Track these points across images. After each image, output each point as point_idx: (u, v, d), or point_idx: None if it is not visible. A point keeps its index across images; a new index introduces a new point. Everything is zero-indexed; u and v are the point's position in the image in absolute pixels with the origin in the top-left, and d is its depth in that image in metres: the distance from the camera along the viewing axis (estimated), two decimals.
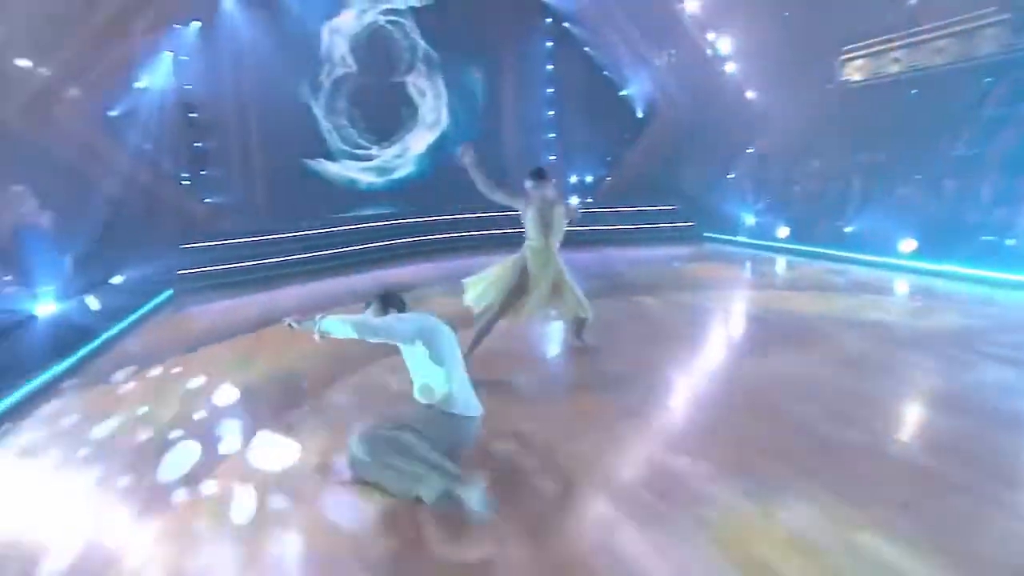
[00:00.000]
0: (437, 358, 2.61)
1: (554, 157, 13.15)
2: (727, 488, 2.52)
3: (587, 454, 2.89)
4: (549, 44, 12.90)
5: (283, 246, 8.92)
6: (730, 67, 11.14)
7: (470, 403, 2.69)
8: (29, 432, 3.49)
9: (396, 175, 12.05)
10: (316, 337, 2.56)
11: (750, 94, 11.20)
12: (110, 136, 7.97)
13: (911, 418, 3.36)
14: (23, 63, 6.36)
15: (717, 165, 11.65)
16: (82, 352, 4.62)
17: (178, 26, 9.07)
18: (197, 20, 9.40)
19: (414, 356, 2.66)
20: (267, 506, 2.57)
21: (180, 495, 2.70)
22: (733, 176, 11.61)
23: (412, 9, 11.74)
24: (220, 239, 8.76)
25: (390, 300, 2.85)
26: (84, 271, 5.63)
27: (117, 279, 6.88)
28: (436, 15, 11.61)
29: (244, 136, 10.49)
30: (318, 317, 2.56)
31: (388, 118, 11.89)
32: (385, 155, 12.00)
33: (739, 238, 10.07)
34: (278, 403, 3.73)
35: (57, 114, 6.89)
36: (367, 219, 10.43)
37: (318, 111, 11.27)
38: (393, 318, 2.71)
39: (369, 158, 11.88)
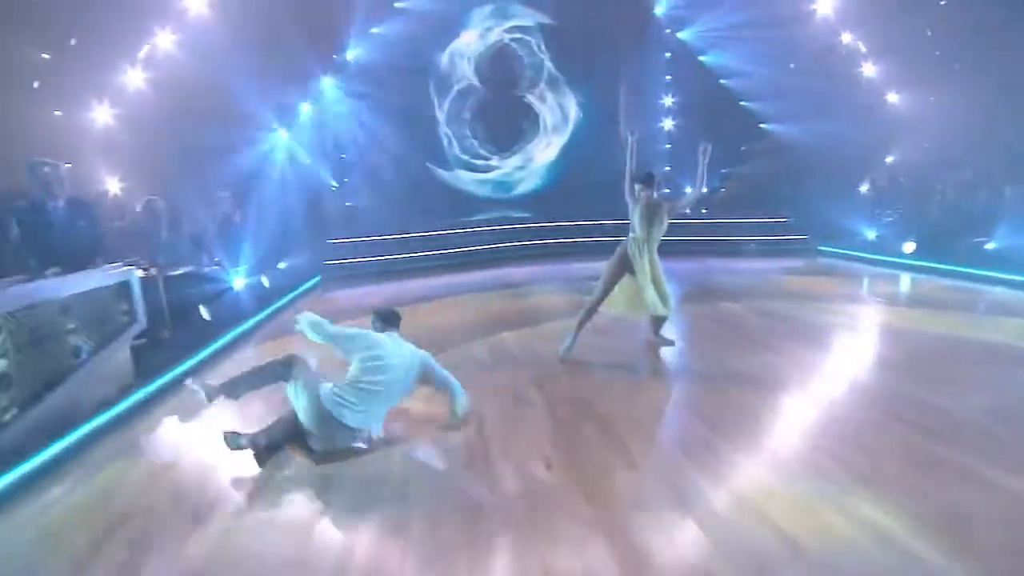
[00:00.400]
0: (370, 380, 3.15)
1: (669, 168, 13.36)
2: (748, 457, 2.91)
3: (636, 420, 3.42)
4: (668, 55, 13.10)
5: (410, 244, 10.31)
6: (868, 69, 10.59)
7: (358, 417, 3.11)
8: (228, 368, 4.80)
9: (519, 185, 13.02)
10: (296, 328, 3.39)
11: (892, 98, 10.54)
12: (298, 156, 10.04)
13: None
14: (225, 102, 8.31)
15: (843, 175, 11.11)
16: (260, 316, 6.08)
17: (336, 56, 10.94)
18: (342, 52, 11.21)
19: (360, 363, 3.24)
20: (384, 428, 3.45)
21: None
22: (866, 187, 10.99)
23: (536, 25, 12.69)
24: (358, 236, 10.37)
25: (387, 318, 3.54)
26: (262, 257, 7.25)
27: (282, 264, 8.60)
28: (558, 30, 12.44)
29: (378, 148, 12.13)
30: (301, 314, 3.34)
31: (509, 130, 12.94)
32: (506, 166, 13.09)
33: (858, 253, 9.55)
34: None
35: (247, 136, 8.86)
36: (486, 222, 11.57)
37: (443, 124, 12.66)
38: (372, 335, 3.36)
39: (488, 168, 13.03)
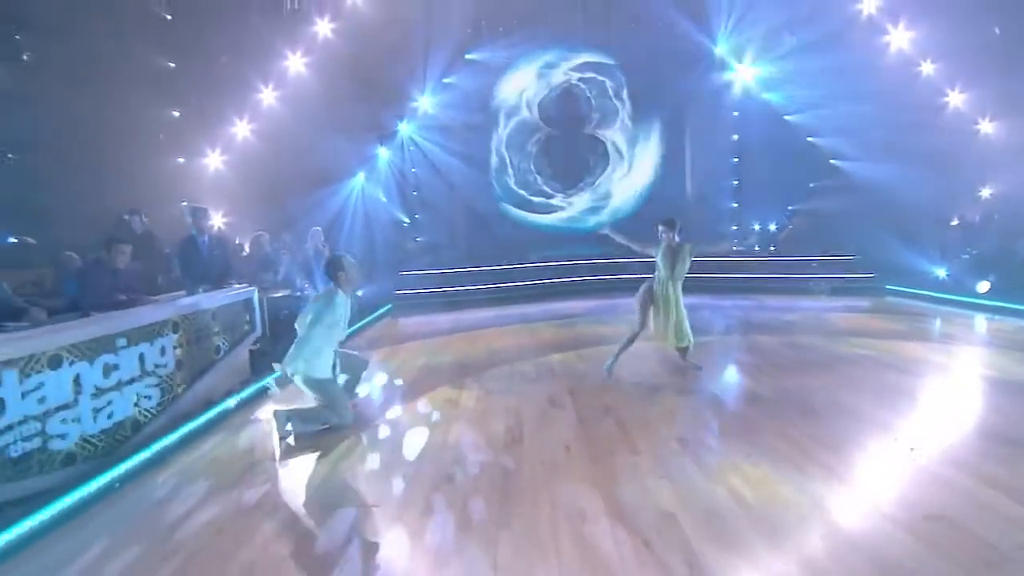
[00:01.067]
0: None
1: (736, 204, 14.04)
2: (731, 448, 3.77)
3: (647, 421, 4.34)
4: (734, 92, 13.83)
5: (473, 277, 11.68)
6: (955, 99, 10.90)
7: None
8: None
9: (580, 222, 14.17)
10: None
11: (986, 127, 10.78)
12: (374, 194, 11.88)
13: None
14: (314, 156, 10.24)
15: (918, 211, 11.33)
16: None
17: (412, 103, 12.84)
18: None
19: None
20: (444, 417, 4.58)
21: (396, 409, 4.91)
22: (956, 222, 11.16)
23: (601, 65, 13.98)
24: (425, 269, 11.87)
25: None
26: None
27: (360, 292, 10.17)
28: (625, 68, 13.70)
29: (447, 187, 13.73)
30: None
31: (574, 169, 14.21)
32: (570, 203, 14.30)
33: (928, 292, 9.76)
34: (452, 375, 5.86)
35: (334, 179, 10.74)
36: (547, 258, 12.82)
37: (509, 163, 14.13)
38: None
39: (551, 207, 14.27)
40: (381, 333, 8.60)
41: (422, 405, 4.95)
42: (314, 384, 4.33)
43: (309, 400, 4.51)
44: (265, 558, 2.75)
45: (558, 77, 14.07)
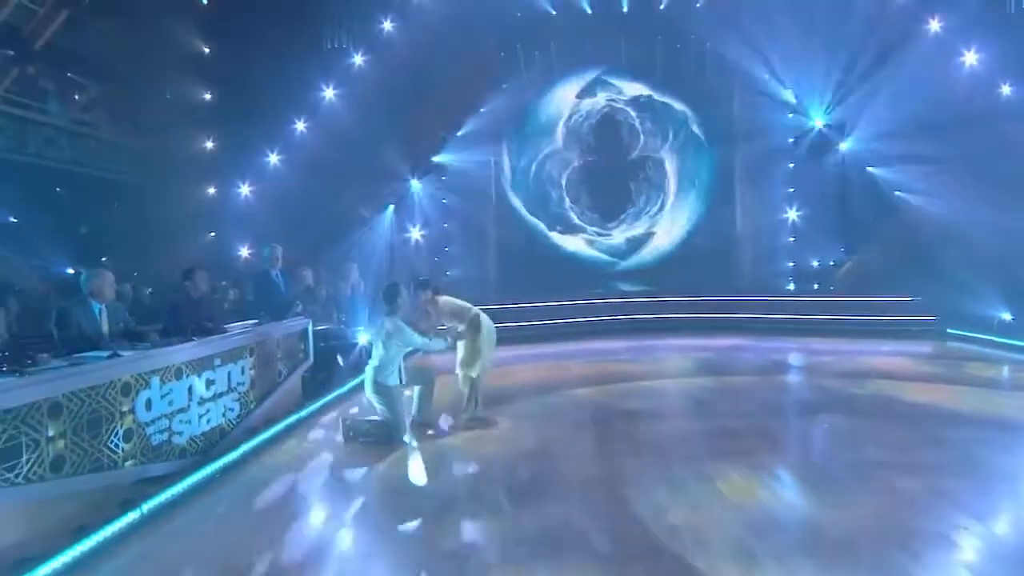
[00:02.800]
0: None
1: (793, 239, 15.28)
2: (715, 462, 5.14)
3: (654, 440, 5.74)
4: (790, 115, 14.86)
5: (504, 314, 13.16)
6: None
7: None
8: (350, 407, 7.68)
9: (623, 258, 15.63)
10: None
11: None
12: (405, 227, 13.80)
13: None
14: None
15: (989, 249, 12.17)
16: None
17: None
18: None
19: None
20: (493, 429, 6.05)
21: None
22: None
23: (644, 90, 15.47)
24: None
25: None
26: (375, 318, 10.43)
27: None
28: (669, 93, 15.25)
29: (479, 219, 15.36)
30: None
31: (615, 199, 15.68)
32: (613, 237, 15.77)
33: (994, 337, 10.73)
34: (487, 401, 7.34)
35: (364, 215, 12.65)
36: (589, 295, 14.22)
37: (544, 192, 15.70)
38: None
39: (591, 240, 15.77)
40: (426, 362, 10.17)
41: (456, 428, 6.43)
42: (383, 390, 5.88)
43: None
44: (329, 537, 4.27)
45: (598, 102, 15.73)
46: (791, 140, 14.88)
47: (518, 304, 13.45)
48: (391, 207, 14.42)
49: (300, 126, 14.33)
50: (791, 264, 15.06)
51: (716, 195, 15.43)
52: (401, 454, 5.64)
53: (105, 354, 4.47)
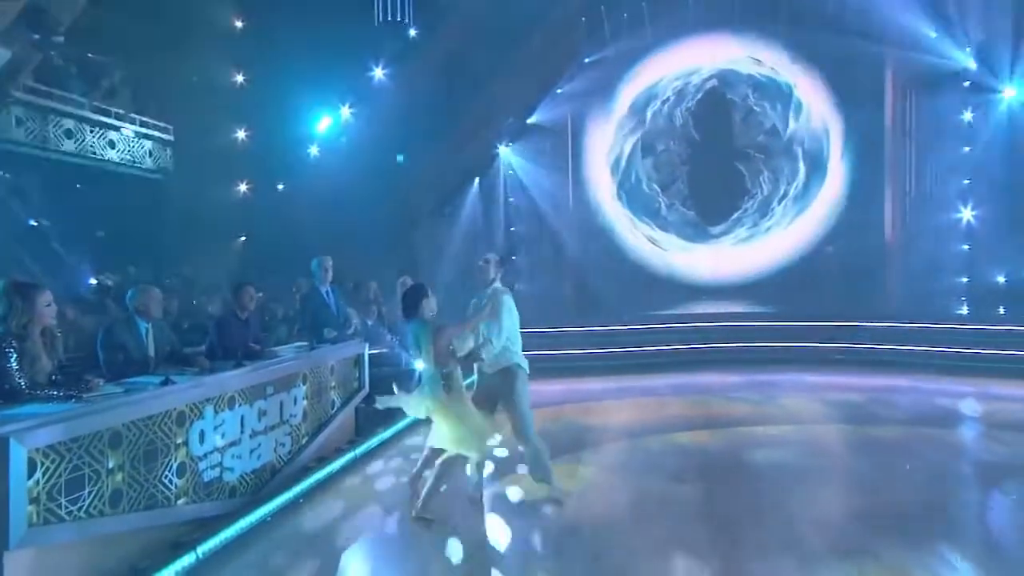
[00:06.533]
0: None
1: (968, 247, 14.45)
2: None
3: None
4: (967, 84, 14.21)
5: (584, 339, 13.47)
6: None
7: None
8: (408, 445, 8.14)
9: (733, 271, 15.53)
10: None
11: None
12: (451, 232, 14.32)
13: None
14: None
15: None
16: None
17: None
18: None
19: None
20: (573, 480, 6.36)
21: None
22: None
23: (761, 68, 15.29)
24: (527, 327, 13.86)
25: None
26: None
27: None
28: (796, 62, 14.98)
29: (553, 222, 15.70)
30: None
31: (722, 197, 15.72)
32: (720, 244, 15.78)
33: None
34: (566, 447, 7.65)
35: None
36: (692, 317, 14.28)
37: (633, 188, 15.90)
38: None
39: (687, 249, 15.86)
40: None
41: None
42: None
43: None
44: None
45: (703, 76, 15.68)
46: (966, 117, 14.29)
47: (597, 328, 13.69)
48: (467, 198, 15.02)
49: (345, 111, 15.15)
50: (964, 280, 14.40)
51: (858, 191, 15.08)
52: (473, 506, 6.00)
53: (158, 379, 5.04)
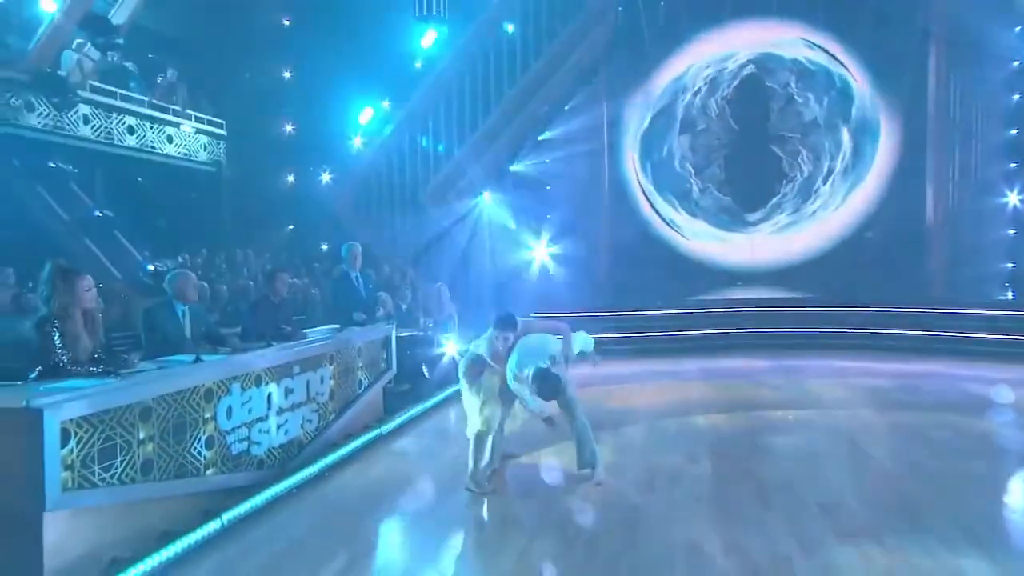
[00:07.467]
0: None
1: (1014, 231, 14.03)
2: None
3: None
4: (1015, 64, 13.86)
5: (616, 323, 13.53)
6: None
7: None
8: (437, 423, 8.37)
9: (772, 255, 15.32)
10: None
11: None
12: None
13: None
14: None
15: None
16: None
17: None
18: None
19: None
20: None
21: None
22: None
23: (800, 52, 14.89)
24: (559, 311, 13.97)
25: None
26: (465, 326, 11.17)
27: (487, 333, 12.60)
28: (835, 45, 14.66)
29: (587, 208, 15.65)
30: None
31: (761, 183, 15.46)
32: (757, 230, 15.58)
33: None
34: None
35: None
36: (727, 302, 14.33)
37: (668, 173, 15.75)
38: None
39: (721, 236, 15.71)
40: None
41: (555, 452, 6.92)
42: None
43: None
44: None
45: (740, 61, 15.41)
46: (1014, 99, 13.92)
47: (631, 312, 13.75)
48: (486, 193, 15.14)
49: (386, 105, 15.45)
50: (1010, 265, 14.12)
51: (898, 174, 14.68)
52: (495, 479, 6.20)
53: (190, 358, 5.36)
